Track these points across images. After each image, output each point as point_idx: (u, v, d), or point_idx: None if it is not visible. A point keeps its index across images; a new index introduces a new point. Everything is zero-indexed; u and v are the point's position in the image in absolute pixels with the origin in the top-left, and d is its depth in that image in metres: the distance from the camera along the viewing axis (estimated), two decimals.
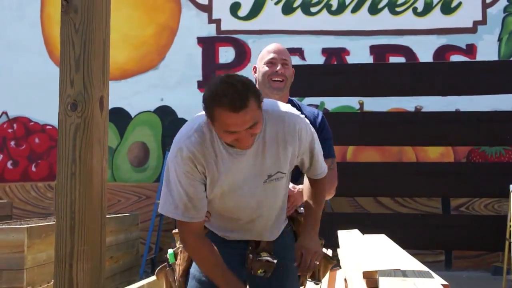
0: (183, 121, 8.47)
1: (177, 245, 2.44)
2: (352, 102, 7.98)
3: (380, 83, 6.70)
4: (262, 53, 2.81)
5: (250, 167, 2.17)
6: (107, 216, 2.29)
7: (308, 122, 2.30)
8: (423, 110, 7.85)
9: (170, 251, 2.46)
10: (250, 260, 2.31)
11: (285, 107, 2.24)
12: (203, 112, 2.10)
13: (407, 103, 7.91)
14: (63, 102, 2.13)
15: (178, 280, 2.38)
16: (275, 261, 2.29)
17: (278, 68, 2.71)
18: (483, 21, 8.06)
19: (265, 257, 2.30)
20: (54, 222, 2.27)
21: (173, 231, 2.53)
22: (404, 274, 1.92)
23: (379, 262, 2.80)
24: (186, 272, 2.37)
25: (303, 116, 2.25)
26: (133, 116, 8.58)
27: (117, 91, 8.12)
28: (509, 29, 8.01)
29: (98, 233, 2.18)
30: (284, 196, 2.35)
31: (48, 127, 8.55)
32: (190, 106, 8.39)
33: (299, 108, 2.74)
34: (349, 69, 7.04)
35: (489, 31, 7.99)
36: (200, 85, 8.53)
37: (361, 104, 8.01)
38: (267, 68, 2.73)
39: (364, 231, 4.48)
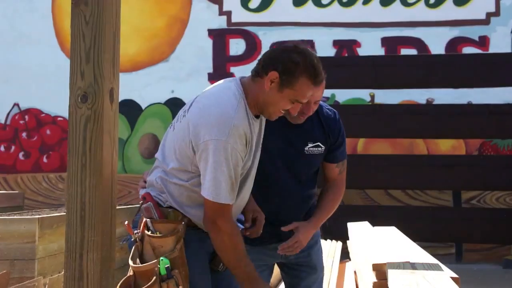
0: None
1: (163, 250, 2.10)
2: (363, 94, 7.95)
3: (392, 76, 6.68)
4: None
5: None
6: (118, 207, 2.30)
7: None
8: (434, 102, 7.82)
9: (164, 258, 2.07)
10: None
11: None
12: (224, 85, 2.14)
13: (419, 96, 7.87)
14: (74, 94, 2.14)
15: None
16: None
17: (308, 112, 2.42)
18: (496, 13, 7.98)
19: None
20: (65, 213, 2.28)
21: (148, 234, 2.12)
22: (413, 266, 1.92)
23: (389, 255, 2.81)
24: (188, 279, 2.11)
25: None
26: (143, 108, 8.61)
27: (128, 83, 8.14)
28: None
29: (108, 224, 2.20)
30: None
31: (59, 118, 8.60)
32: None
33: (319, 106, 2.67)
34: (361, 61, 7.03)
35: (503, 22, 7.91)
36: (211, 77, 8.52)
37: (372, 97, 7.97)
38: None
39: (375, 223, 4.48)
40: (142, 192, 2.27)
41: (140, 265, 2.12)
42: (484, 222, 6.47)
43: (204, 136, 2.04)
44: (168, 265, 2.06)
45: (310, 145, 2.54)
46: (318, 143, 2.55)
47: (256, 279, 2.13)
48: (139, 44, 8.63)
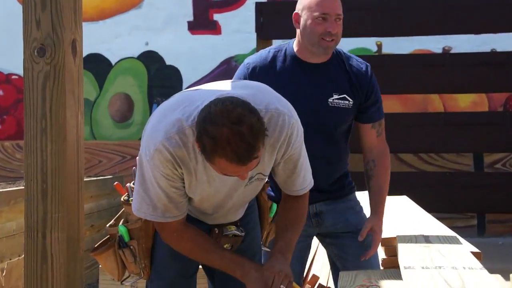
0: (172, 68, 8.45)
1: (131, 218, 2.33)
2: (368, 43, 7.92)
3: (402, 21, 6.64)
4: (311, 0, 2.63)
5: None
6: (86, 179, 2.30)
7: (301, 126, 2.20)
8: (452, 51, 7.79)
9: (121, 226, 2.34)
10: (215, 235, 2.34)
11: (281, 104, 2.16)
12: (184, 99, 2.10)
13: (434, 44, 7.85)
14: (29, 47, 2.12)
15: (143, 262, 2.33)
16: (242, 234, 2.36)
17: (331, 28, 2.57)
18: None
19: (232, 231, 2.35)
20: (23, 187, 2.28)
21: (122, 199, 2.40)
22: (428, 240, 1.94)
23: (400, 228, 2.84)
24: (150, 252, 2.35)
25: (296, 116, 2.17)
26: (113, 63, 8.54)
27: (94, 34, 8.05)
28: None
29: (75, 198, 2.20)
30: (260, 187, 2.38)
31: (13, 77, 8.52)
32: (180, 51, 8.36)
33: (346, 59, 2.73)
34: (365, 4, 6.96)
35: None
36: (191, 26, 8.45)
37: (379, 46, 7.95)
38: (318, 25, 2.59)
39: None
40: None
41: (106, 227, 2.35)
42: (510, 189, 6.51)
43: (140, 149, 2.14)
44: (121, 234, 2.29)
45: (335, 96, 2.63)
46: (345, 95, 2.63)
47: (241, 262, 2.20)
48: None
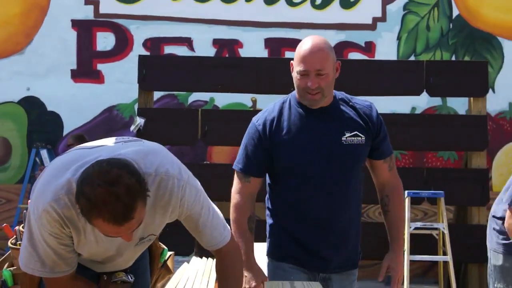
0: (53, 114, 8.22)
1: (17, 263, 2.20)
2: (244, 99, 8.07)
3: (276, 80, 6.82)
4: (296, 54, 2.62)
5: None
6: None
7: (196, 186, 2.17)
8: None
9: (5, 271, 2.24)
10: (104, 281, 2.29)
11: (173, 167, 2.10)
12: (74, 158, 2.04)
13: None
14: None
15: None
16: (131, 280, 2.31)
17: (309, 84, 2.54)
18: (383, 18, 8.42)
19: (121, 277, 2.29)
20: None
21: (9, 242, 2.31)
22: (293, 286, 1.98)
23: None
24: None
25: (187, 178, 2.12)
26: None
27: None
28: (408, 28, 8.43)
29: None
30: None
31: None
32: (63, 98, 8.16)
33: (350, 99, 2.71)
34: (242, 63, 7.11)
35: (389, 28, 8.35)
36: (74, 74, 8.30)
37: (254, 102, 8.10)
38: (300, 80, 2.59)
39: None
40: None
41: None
42: (369, 237, 6.75)
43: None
44: (4, 279, 2.20)
45: (347, 134, 2.58)
46: (356, 132, 2.59)
47: None
48: None
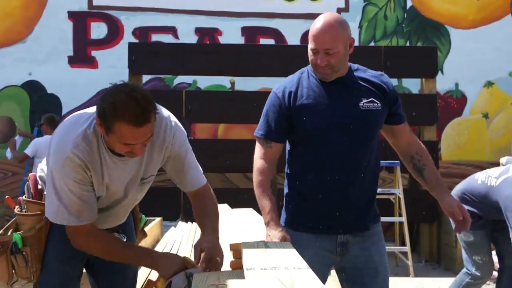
0: (53, 96, 8.14)
1: (24, 227, 2.22)
2: (224, 81, 8.04)
3: (251, 64, 6.79)
4: (310, 31, 2.40)
5: (130, 173, 2.14)
6: None
7: (183, 130, 2.20)
8: None
9: (16, 234, 2.22)
10: None
11: (165, 110, 2.16)
12: (83, 115, 2.05)
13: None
14: None
15: (35, 266, 2.21)
16: (124, 239, 2.32)
17: (319, 61, 2.34)
18: (346, 9, 8.42)
19: (115, 235, 2.30)
20: None
21: (16, 211, 2.26)
22: (267, 245, 1.98)
23: (245, 235, 2.87)
24: (41, 257, 2.24)
25: (175, 120, 2.16)
26: None
27: None
28: (368, 17, 8.45)
29: None
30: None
31: None
32: (61, 81, 8.11)
33: (364, 70, 2.49)
34: (222, 49, 7.07)
35: (351, 18, 8.33)
36: (71, 60, 8.22)
37: (232, 83, 8.08)
38: (312, 56, 2.39)
39: (234, 205, 4.55)
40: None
41: None
42: None
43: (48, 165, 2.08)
44: (15, 241, 2.17)
45: (364, 100, 2.39)
46: (372, 99, 2.39)
47: (150, 253, 2.20)
48: None
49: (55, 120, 6.78)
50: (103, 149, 2.05)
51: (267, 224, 2.35)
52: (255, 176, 2.44)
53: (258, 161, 2.46)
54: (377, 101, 2.39)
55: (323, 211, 2.39)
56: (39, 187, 2.25)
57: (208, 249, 2.13)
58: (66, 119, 2.15)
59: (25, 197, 2.23)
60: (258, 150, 2.48)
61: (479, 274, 4.00)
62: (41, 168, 2.29)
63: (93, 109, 2.08)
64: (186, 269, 2.07)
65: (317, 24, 2.36)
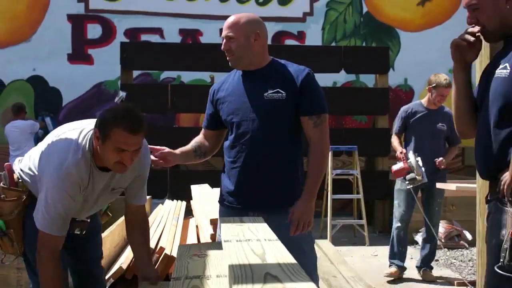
0: (54, 89, 8.06)
1: (3, 212, 2.16)
2: (205, 76, 7.98)
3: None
4: None
5: (106, 185, 2.13)
6: None
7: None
8: None
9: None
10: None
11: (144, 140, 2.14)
12: (77, 135, 2.03)
13: None
14: None
15: (19, 243, 2.19)
16: (88, 220, 2.28)
17: (223, 47, 2.29)
18: (311, 13, 8.40)
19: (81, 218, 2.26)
20: None
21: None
22: (242, 220, 1.96)
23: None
24: (22, 236, 2.19)
25: (147, 143, 2.17)
26: (6, 84, 8.10)
27: None
28: (330, 21, 8.42)
29: None
30: None
31: None
32: (61, 76, 8.04)
33: (283, 64, 2.32)
34: (203, 48, 7.00)
35: (315, 21, 8.35)
36: (70, 57, 8.12)
37: (212, 78, 8.02)
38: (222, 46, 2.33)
39: (214, 185, 4.53)
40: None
41: None
42: None
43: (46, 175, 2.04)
44: None
45: (270, 91, 2.23)
46: (278, 89, 2.23)
47: None
48: (0, 25, 7.96)
49: (23, 107, 7.08)
50: (93, 165, 2.04)
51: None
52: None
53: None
54: (282, 91, 2.23)
55: (235, 191, 2.30)
56: (15, 176, 2.19)
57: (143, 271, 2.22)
58: (60, 137, 2.09)
59: (3, 184, 2.18)
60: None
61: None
62: (19, 159, 2.26)
63: (83, 128, 2.08)
64: None
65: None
